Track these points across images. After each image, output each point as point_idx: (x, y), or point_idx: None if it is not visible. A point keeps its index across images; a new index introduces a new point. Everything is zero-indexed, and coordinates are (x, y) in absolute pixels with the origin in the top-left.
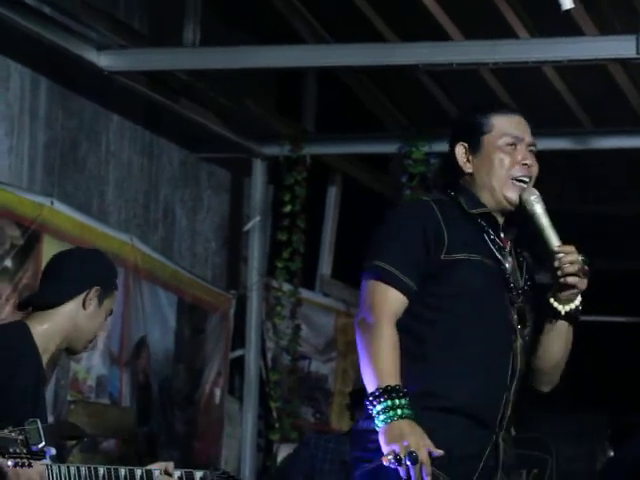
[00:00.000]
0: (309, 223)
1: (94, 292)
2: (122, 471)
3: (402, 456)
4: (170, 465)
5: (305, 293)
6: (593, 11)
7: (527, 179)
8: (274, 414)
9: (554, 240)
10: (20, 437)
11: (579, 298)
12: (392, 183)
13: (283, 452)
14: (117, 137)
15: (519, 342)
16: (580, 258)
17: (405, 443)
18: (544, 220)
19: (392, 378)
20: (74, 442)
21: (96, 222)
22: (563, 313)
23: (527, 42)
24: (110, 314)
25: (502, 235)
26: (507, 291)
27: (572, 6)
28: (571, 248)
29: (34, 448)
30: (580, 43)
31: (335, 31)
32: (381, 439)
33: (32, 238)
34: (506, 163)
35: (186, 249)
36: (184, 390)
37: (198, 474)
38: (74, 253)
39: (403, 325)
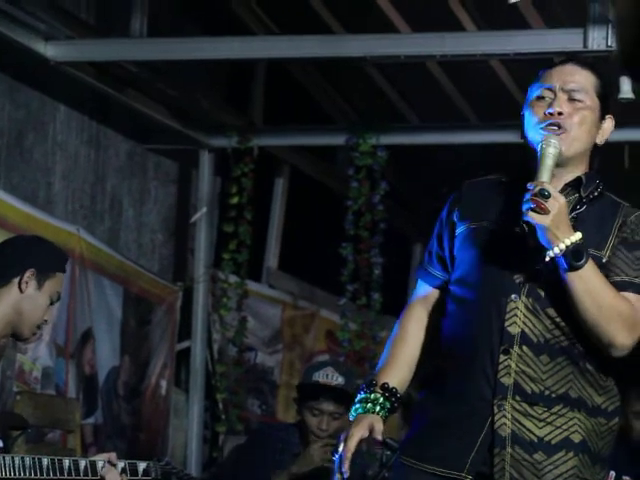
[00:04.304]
0: (256, 215)
1: (29, 274)
2: (66, 462)
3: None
4: (113, 455)
5: (252, 285)
6: (540, 4)
7: (556, 126)
8: (220, 406)
9: (540, 177)
10: None
11: (565, 242)
12: (339, 175)
13: (229, 444)
14: (64, 128)
15: (521, 302)
16: (538, 189)
17: (343, 435)
18: (548, 160)
19: (378, 374)
20: (19, 433)
21: (42, 213)
22: (547, 259)
23: (474, 35)
24: (58, 298)
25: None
26: (521, 252)
27: None
28: (540, 182)
29: None
30: (527, 36)
31: (283, 23)
32: None
33: None
34: (533, 118)
35: (133, 240)
36: (130, 382)
37: (142, 465)
38: (12, 240)
39: None
